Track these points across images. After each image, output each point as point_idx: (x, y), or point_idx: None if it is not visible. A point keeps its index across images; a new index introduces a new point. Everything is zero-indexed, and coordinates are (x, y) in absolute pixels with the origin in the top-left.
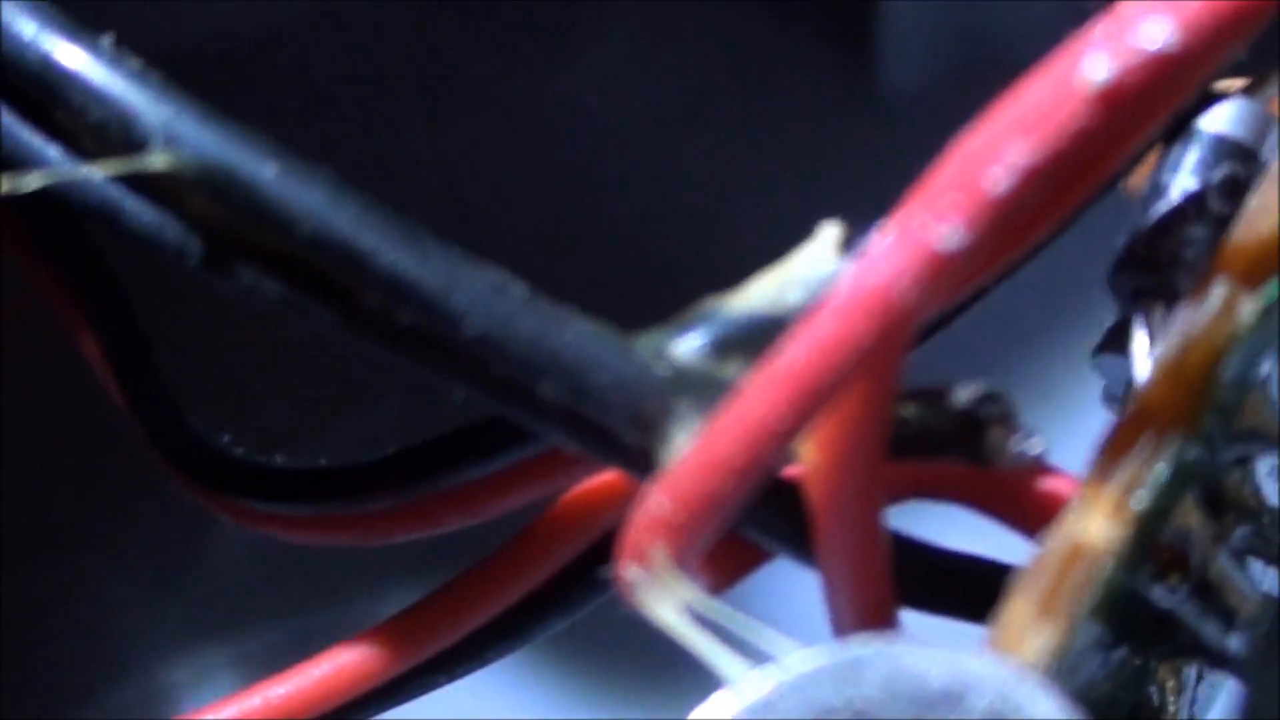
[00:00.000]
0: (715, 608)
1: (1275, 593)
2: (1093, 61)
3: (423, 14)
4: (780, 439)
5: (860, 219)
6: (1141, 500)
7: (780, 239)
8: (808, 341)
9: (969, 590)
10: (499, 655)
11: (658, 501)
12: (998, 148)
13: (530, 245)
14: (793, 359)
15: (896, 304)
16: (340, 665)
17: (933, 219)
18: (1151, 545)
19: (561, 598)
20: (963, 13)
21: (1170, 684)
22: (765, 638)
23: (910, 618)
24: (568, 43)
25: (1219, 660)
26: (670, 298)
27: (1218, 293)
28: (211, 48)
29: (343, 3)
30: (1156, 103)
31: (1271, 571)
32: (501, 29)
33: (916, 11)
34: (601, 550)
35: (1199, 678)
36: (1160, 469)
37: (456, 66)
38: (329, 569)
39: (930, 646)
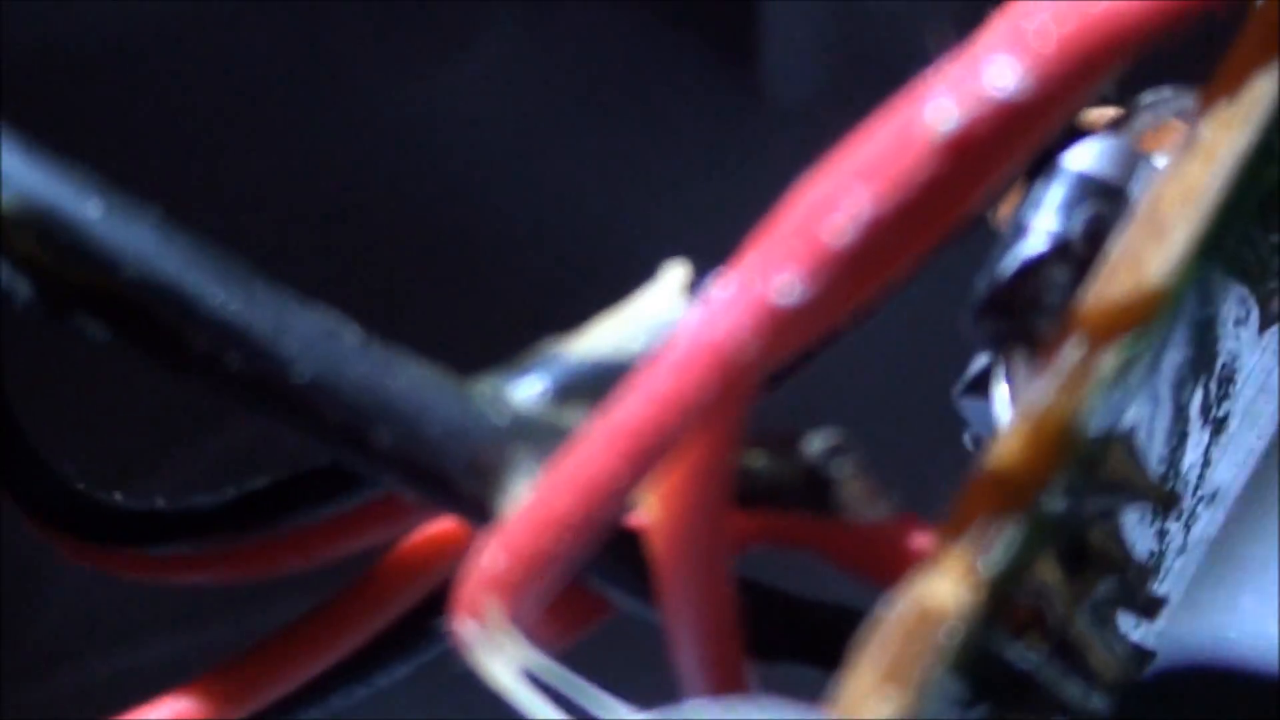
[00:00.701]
0: (551, 669)
1: (1143, 646)
2: (938, 108)
3: (293, 11)
4: (618, 493)
5: (746, 227)
6: (994, 562)
7: (664, 247)
8: (644, 395)
9: (825, 639)
10: (343, 700)
11: (491, 556)
12: (839, 197)
13: (407, 253)
14: (630, 412)
15: (734, 360)
16: (176, 712)
17: (772, 272)
18: (1006, 606)
19: (404, 645)
20: (848, 19)
21: None
22: (601, 703)
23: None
24: (447, 42)
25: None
26: (554, 307)
27: (1077, 345)
28: (69, 50)
29: (207, 3)
30: (1006, 150)
31: (1143, 622)
32: (376, 26)
33: (801, 18)
34: (445, 597)
35: None
36: (1012, 530)
37: (328, 66)
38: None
39: (773, 710)
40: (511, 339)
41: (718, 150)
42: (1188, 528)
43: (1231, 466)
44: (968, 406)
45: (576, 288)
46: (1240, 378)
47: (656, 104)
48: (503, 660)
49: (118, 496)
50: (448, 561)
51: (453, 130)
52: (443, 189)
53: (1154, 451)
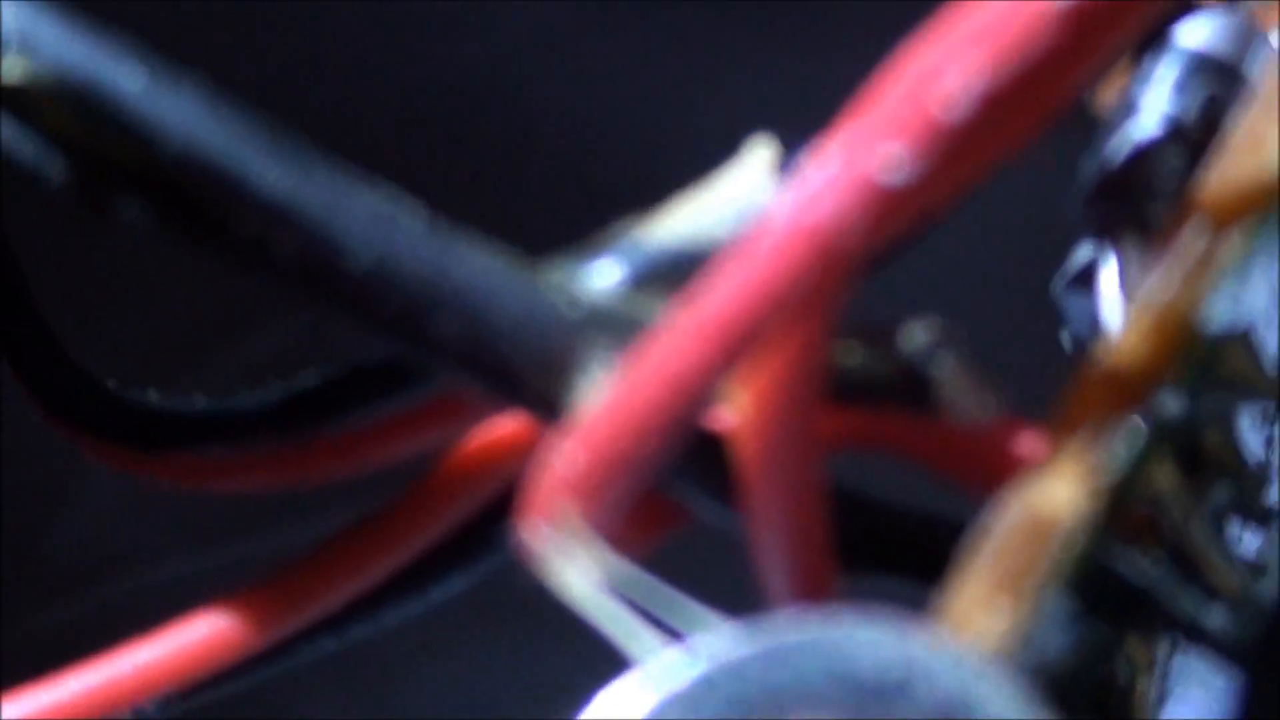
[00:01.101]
0: (635, 578)
1: (1258, 559)
2: None
3: None
4: (705, 387)
5: (797, 122)
6: (1114, 466)
7: (710, 146)
8: (737, 280)
9: (921, 551)
10: (396, 618)
11: (568, 456)
12: (950, 68)
13: (437, 153)
14: (720, 299)
15: (836, 243)
16: (214, 629)
17: (878, 148)
18: (1124, 514)
19: (462, 556)
20: None
21: (1141, 659)
22: (688, 615)
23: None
24: None
25: (1197, 636)
26: (593, 210)
27: (1196, 232)
28: None
29: None
30: (1125, 17)
31: (1258, 534)
32: None
33: None
34: (506, 504)
35: (1172, 652)
36: (1136, 430)
37: None
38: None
39: (873, 626)
40: (583, 226)
41: (769, 38)
42: None
43: None
44: (1070, 301)
45: (650, 172)
46: None
47: None
48: (580, 569)
49: (152, 395)
50: (509, 465)
51: (485, 24)
52: (500, 82)
53: (1269, 348)
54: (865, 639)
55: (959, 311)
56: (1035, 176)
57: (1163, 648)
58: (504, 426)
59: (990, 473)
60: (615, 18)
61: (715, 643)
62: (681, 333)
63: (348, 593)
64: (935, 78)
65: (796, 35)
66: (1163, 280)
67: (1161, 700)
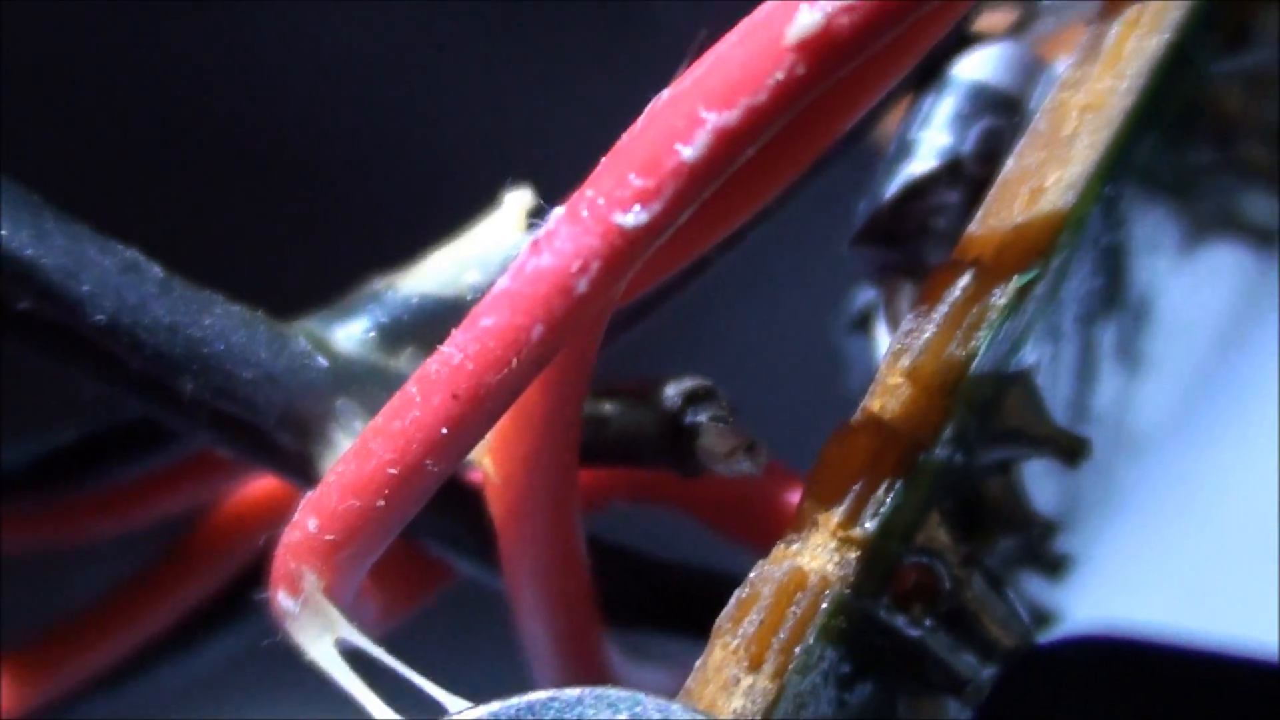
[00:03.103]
0: (368, 647)
1: (1047, 609)
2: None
3: None
4: (447, 444)
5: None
6: (873, 520)
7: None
8: (476, 334)
9: (688, 605)
10: (168, 678)
11: (305, 521)
12: (690, 106)
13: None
14: (460, 354)
15: (573, 289)
16: None
17: (618, 189)
18: (890, 570)
19: (229, 615)
20: None
21: (932, 717)
22: (427, 684)
23: None
24: None
25: (974, 697)
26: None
27: (967, 275)
28: None
29: None
30: (874, 46)
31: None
32: None
33: None
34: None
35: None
36: (895, 483)
37: None
38: None
39: (621, 695)
40: (345, 279)
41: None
42: (1106, 477)
43: (1156, 411)
44: (851, 347)
45: (414, 218)
46: (1160, 309)
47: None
48: (321, 638)
49: None
50: (272, 525)
51: (284, 43)
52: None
53: (1059, 394)
54: (608, 707)
55: (733, 364)
56: (814, 219)
57: (949, 707)
58: (263, 486)
59: (758, 526)
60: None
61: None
62: (421, 385)
63: (115, 652)
64: (675, 117)
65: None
66: (928, 323)
67: None
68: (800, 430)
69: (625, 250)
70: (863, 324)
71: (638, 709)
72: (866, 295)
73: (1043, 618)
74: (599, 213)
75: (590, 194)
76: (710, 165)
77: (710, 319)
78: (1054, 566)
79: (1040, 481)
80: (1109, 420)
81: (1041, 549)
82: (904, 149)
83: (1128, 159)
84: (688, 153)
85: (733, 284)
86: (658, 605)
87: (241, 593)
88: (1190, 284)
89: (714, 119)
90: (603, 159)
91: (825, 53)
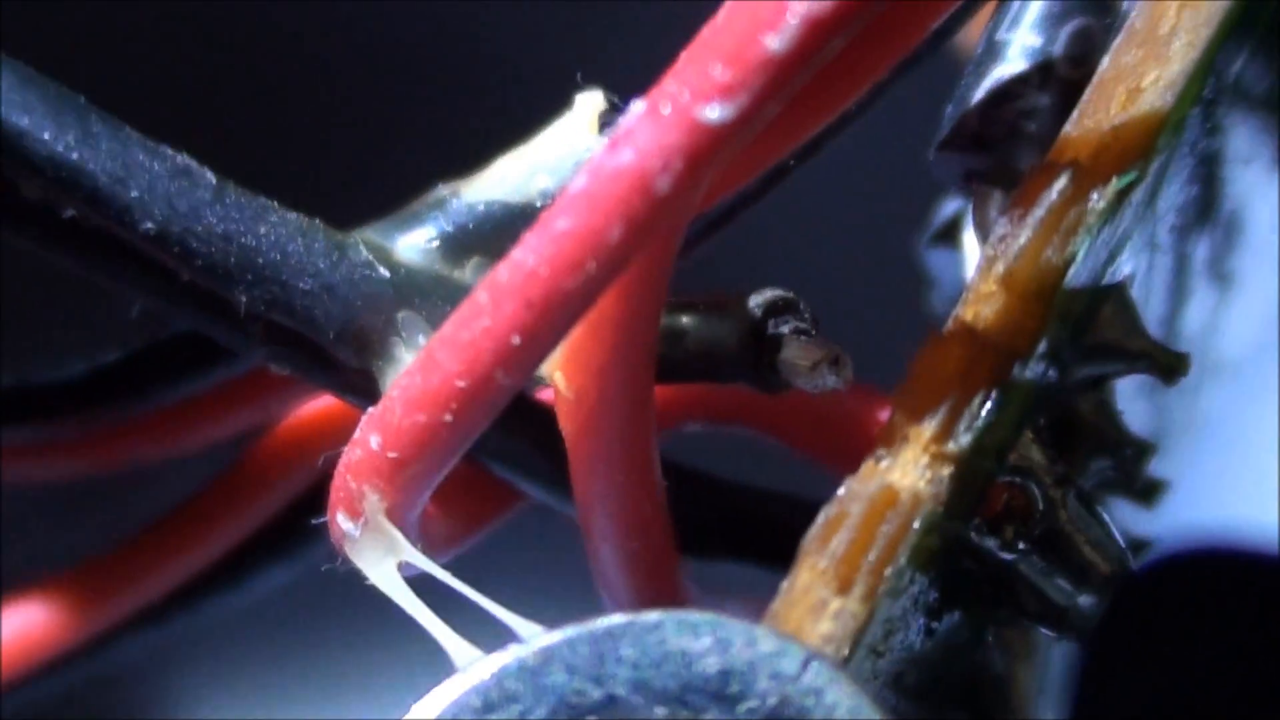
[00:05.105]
0: (437, 572)
1: (1142, 535)
2: None
3: None
4: (521, 355)
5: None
6: (966, 435)
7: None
8: (550, 236)
9: (770, 532)
10: (217, 609)
11: (368, 439)
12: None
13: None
14: (533, 258)
15: (654, 188)
16: (23, 623)
17: (699, 85)
18: (982, 491)
19: (281, 544)
20: None
21: (1019, 646)
22: (497, 609)
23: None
24: None
25: (1068, 625)
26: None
27: (1061, 180)
28: None
29: None
30: None
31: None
32: None
33: None
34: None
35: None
36: (989, 396)
37: None
38: None
39: (703, 618)
40: (409, 188)
41: None
42: (1193, 402)
43: (1241, 333)
44: (935, 259)
45: (481, 124)
46: (1250, 227)
47: None
48: (385, 561)
49: None
50: (329, 449)
51: None
52: (335, 15)
53: (1152, 310)
54: (691, 632)
55: (817, 276)
56: (897, 126)
57: (1042, 634)
58: (320, 407)
59: (843, 447)
60: None
61: (532, 638)
62: (488, 295)
63: (163, 584)
64: (759, 9)
65: None
66: (1021, 232)
67: (1043, 689)
68: (882, 349)
69: (709, 147)
70: (948, 235)
71: (720, 633)
72: (953, 204)
73: (1136, 545)
74: (682, 107)
75: (672, 87)
76: (798, 58)
77: (788, 232)
78: (1146, 491)
79: (1130, 404)
80: (1198, 341)
81: (1134, 472)
82: (992, 50)
83: (1226, 60)
84: (774, 43)
85: (812, 195)
86: (736, 533)
87: (298, 519)
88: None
89: (802, 8)
90: (683, 51)
91: None
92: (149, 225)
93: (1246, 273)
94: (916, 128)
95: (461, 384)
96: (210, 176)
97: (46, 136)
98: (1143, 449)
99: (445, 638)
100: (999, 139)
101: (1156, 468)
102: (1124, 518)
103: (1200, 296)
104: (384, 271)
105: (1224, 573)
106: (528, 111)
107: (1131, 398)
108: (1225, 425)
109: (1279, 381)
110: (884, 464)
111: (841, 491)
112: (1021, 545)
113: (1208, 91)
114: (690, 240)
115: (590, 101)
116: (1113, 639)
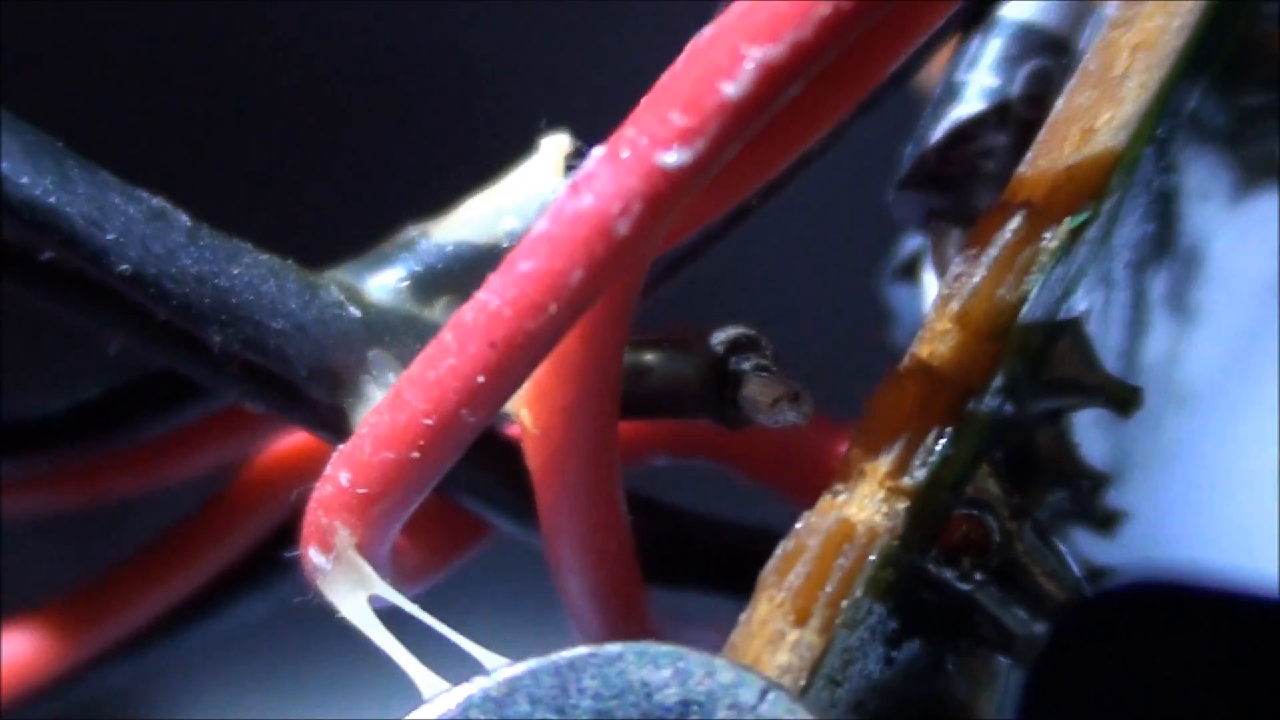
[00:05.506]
0: (406, 605)
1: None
2: None
3: None
4: (486, 394)
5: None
6: (921, 470)
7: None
8: (513, 278)
9: (732, 563)
10: (196, 640)
11: (338, 474)
12: (734, 42)
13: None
14: (497, 300)
15: (613, 231)
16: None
17: (657, 130)
18: (940, 522)
19: (259, 576)
20: None
21: (981, 674)
22: (462, 641)
23: None
24: None
25: (1026, 654)
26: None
27: (1017, 218)
28: None
29: None
30: None
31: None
32: None
33: None
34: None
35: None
36: (944, 432)
37: None
38: None
39: (664, 650)
40: (378, 228)
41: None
42: (1155, 432)
43: (1205, 364)
44: (897, 295)
45: (448, 165)
46: (1211, 260)
47: None
48: (355, 595)
49: None
50: (302, 483)
51: None
52: (305, 54)
53: (1109, 344)
54: (650, 662)
55: (780, 312)
56: (858, 165)
57: (1001, 662)
58: (293, 442)
59: (803, 480)
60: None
61: (496, 669)
62: (455, 334)
63: (143, 615)
64: (717, 54)
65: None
66: (977, 269)
67: (1003, 716)
68: (843, 384)
69: (667, 191)
70: (908, 272)
71: (681, 664)
72: (912, 242)
73: (1093, 574)
74: (640, 152)
75: (631, 133)
76: (754, 103)
77: (751, 270)
78: (1104, 521)
79: (1089, 435)
80: (1158, 373)
81: (1091, 503)
82: (951, 91)
83: (1180, 99)
84: (731, 90)
85: (774, 233)
86: (699, 563)
87: (272, 552)
88: (1240, 233)
89: (758, 54)
90: (643, 98)
91: None
92: (125, 267)
93: (1208, 305)
94: (877, 167)
95: (429, 421)
96: (185, 219)
97: (24, 180)
98: (1100, 480)
99: (413, 669)
100: (958, 178)
101: (1119, 497)
102: (1085, 547)
103: (1160, 329)
104: (355, 311)
105: (1181, 601)
106: (497, 151)
107: (1092, 429)
108: (1189, 454)
109: (1245, 410)
110: (841, 498)
111: (799, 525)
112: (979, 576)
113: (1161, 131)
114: (654, 279)
115: (556, 144)
116: (1066, 665)
